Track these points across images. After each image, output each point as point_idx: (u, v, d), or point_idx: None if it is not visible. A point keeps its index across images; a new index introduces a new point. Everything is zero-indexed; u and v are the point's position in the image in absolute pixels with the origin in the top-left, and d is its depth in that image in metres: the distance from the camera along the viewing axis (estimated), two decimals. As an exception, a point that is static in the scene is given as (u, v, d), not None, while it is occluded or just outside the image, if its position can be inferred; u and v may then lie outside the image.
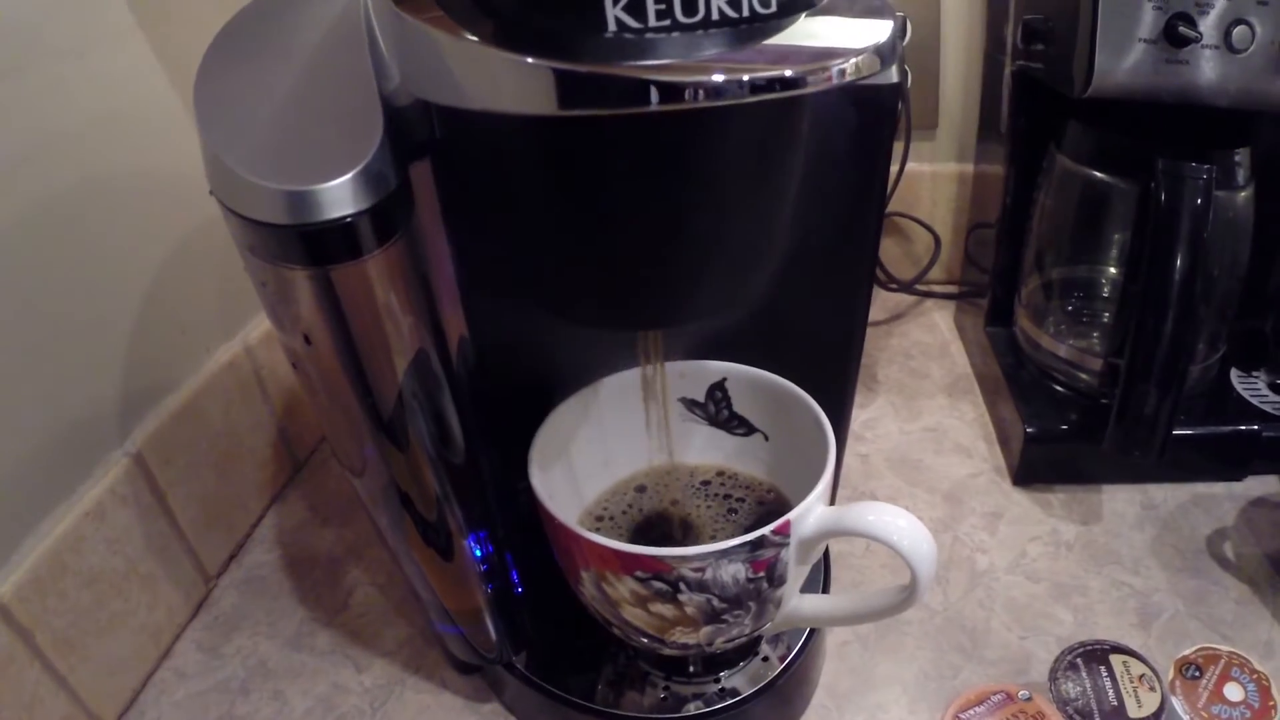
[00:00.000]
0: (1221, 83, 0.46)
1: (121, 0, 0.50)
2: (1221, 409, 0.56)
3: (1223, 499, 0.54)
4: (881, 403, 0.64)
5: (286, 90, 0.33)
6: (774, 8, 0.26)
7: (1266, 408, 0.56)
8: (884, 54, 0.26)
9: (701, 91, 0.22)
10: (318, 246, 0.29)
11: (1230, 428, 0.54)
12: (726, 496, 0.45)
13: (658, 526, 0.44)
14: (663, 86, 0.22)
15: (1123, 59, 0.46)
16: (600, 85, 0.23)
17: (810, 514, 0.36)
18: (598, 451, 0.44)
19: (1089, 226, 0.56)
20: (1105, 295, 0.58)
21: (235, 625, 0.52)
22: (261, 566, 0.56)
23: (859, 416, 0.63)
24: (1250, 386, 0.58)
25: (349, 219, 0.28)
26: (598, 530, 0.43)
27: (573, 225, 0.30)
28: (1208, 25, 0.45)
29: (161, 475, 0.51)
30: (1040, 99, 0.54)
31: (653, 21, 0.24)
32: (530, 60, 0.23)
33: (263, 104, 0.33)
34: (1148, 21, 0.45)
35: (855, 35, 0.26)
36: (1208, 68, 0.46)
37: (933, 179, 0.73)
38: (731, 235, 0.30)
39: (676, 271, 0.30)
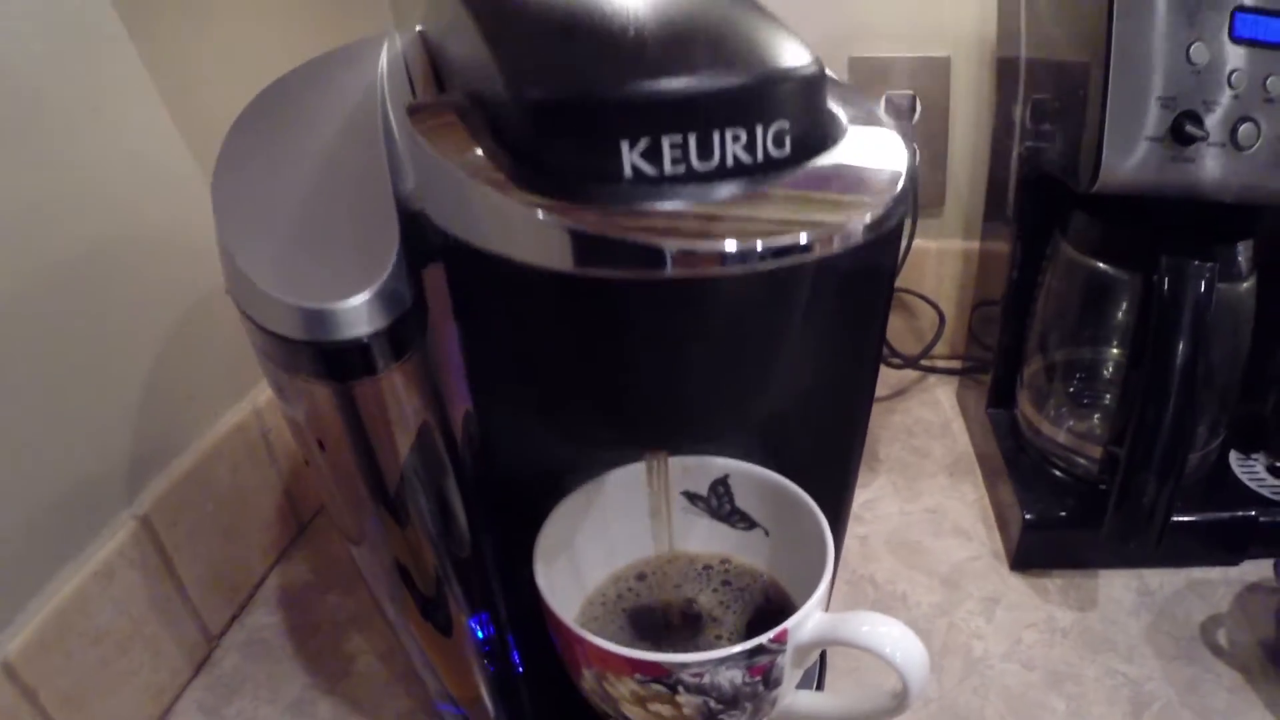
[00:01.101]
0: (1226, 179, 0.46)
1: (135, 58, 0.51)
2: (1219, 494, 0.56)
3: (1218, 584, 0.55)
4: (883, 482, 0.65)
5: (303, 188, 0.34)
6: (788, 150, 0.26)
7: (1264, 492, 0.56)
8: (900, 199, 0.27)
9: (715, 260, 0.23)
10: (333, 363, 0.30)
11: (1227, 514, 0.55)
12: (726, 584, 0.45)
13: (658, 614, 0.44)
14: (677, 255, 0.23)
15: (1129, 156, 0.46)
16: (615, 248, 0.23)
17: (807, 621, 0.37)
18: (600, 540, 0.44)
19: (1092, 314, 0.56)
20: (1107, 381, 0.58)
21: (236, 688, 0.52)
22: (264, 629, 0.56)
23: (860, 496, 0.63)
24: (1249, 469, 0.58)
25: (365, 339, 0.29)
26: (598, 616, 0.44)
27: (581, 357, 0.30)
28: (1214, 123, 0.45)
29: (168, 537, 0.52)
30: (1046, 186, 0.55)
31: (669, 169, 0.25)
32: (548, 217, 0.24)
33: (279, 202, 0.34)
34: (1155, 119, 0.46)
35: (870, 180, 0.27)
36: (1213, 165, 0.46)
37: (939, 256, 0.74)
38: (742, 369, 0.31)
39: (685, 402, 0.31)
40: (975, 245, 0.71)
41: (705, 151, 0.25)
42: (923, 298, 0.75)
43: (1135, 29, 0.44)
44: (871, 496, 0.63)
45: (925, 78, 0.68)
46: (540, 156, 0.25)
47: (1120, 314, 0.55)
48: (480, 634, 0.42)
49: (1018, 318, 0.60)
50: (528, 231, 0.25)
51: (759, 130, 0.25)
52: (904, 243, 0.69)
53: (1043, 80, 0.55)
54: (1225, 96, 0.45)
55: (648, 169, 0.25)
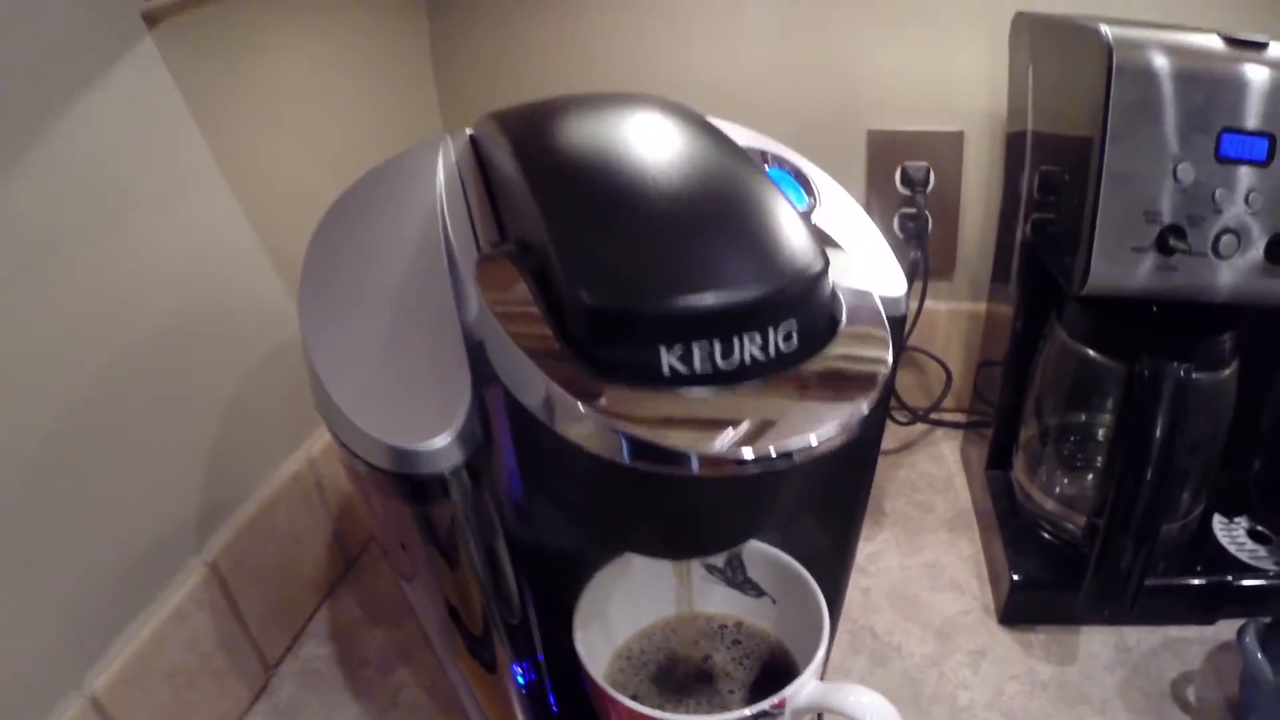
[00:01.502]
0: (1207, 285, 0.50)
1: (206, 151, 0.56)
2: (1199, 556, 0.60)
3: (1193, 642, 0.59)
4: (887, 535, 0.70)
5: (380, 318, 0.39)
6: (795, 345, 0.31)
7: (1242, 556, 0.60)
8: (885, 392, 0.31)
9: (734, 464, 0.28)
10: (416, 491, 0.35)
11: (1204, 579, 0.59)
12: (738, 643, 0.50)
13: (679, 668, 0.49)
14: (703, 459, 0.28)
15: (1116, 264, 0.50)
16: (654, 450, 0.28)
17: (804, 690, 0.42)
18: (629, 602, 0.50)
19: (1081, 392, 0.61)
20: (1094, 454, 0.62)
21: (293, 715, 0.58)
22: (316, 660, 0.62)
23: (864, 549, 0.68)
24: (1230, 533, 0.62)
25: (445, 474, 0.34)
26: (625, 669, 0.49)
27: (621, 497, 0.35)
28: (1196, 235, 0.49)
29: (233, 579, 0.57)
30: (1047, 272, 0.59)
31: (698, 368, 0.30)
32: (599, 418, 0.29)
33: (361, 331, 0.39)
34: (1141, 232, 0.49)
35: (861, 376, 0.31)
36: (1195, 272, 0.50)
37: (949, 316, 0.78)
38: (759, 508, 0.36)
39: (706, 531, 0.36)
40: (983, 307, 0.75)
41: (727, 353, 0.30)
42: (931, 356, 0.79)
43: (1126, 152, 0.48)
44: (876, 549, 0.68)
45: (940, 150, 0.72)
46: (591, 347, 0.30)
47: (1107, 395, 0.59)
48: (521, 679, 0.47)
49: (1017, 386, 0.65)
50: (579, 422, 0.30)
51: (771, 332, 0.30)
52: (917, 305, 0.74)
53: (1047, 156, 0.59)
54: (1209, 211, 0.49)
55: (681, 369, 0.30)
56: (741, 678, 0.49)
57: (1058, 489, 0.62)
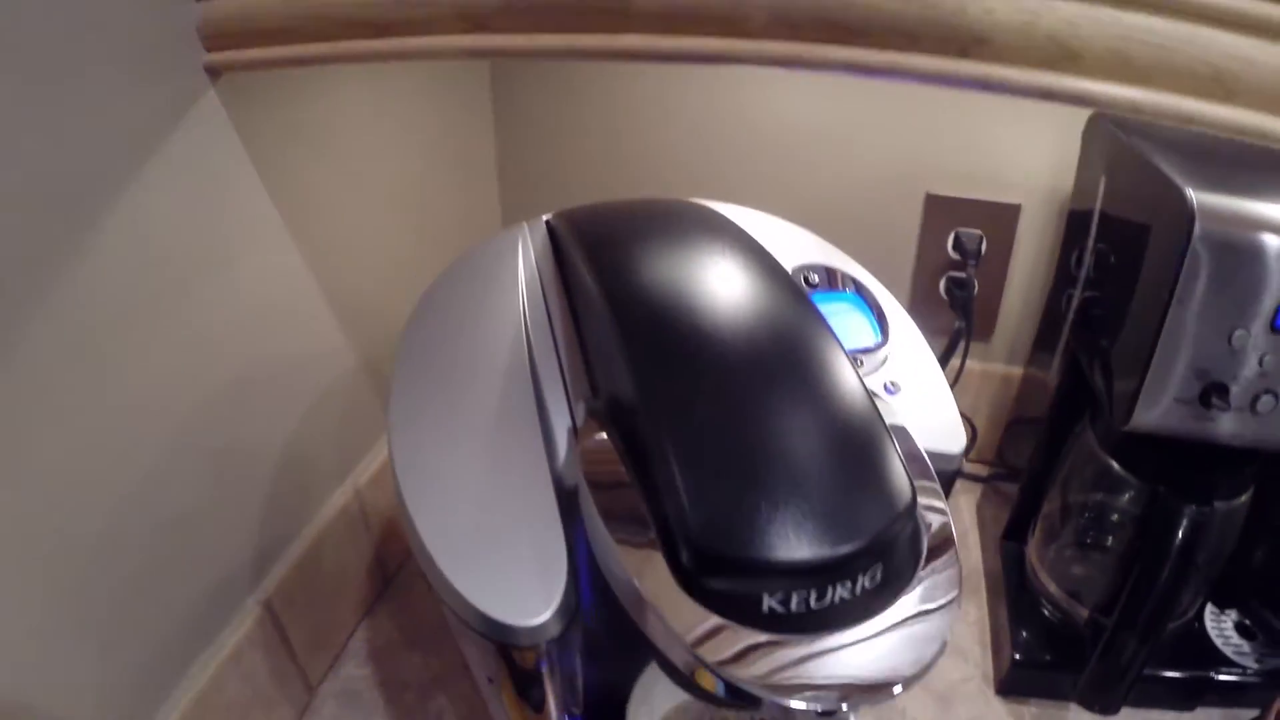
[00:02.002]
0: (1239, 434, 0.53)
1: (268, 203, 0.56)
2: (1186, 648, 0.65)
3: (1171, 727, 0.64)
4: (897, 598, 0.73)
5: (473, 465, 0.41)
6: (880, 580, 0.33)
7: (1228, 651, 0.65)
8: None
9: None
10: (513, 653, 0.38)
11: (1189, 673, 0.64)
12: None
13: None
14: (786, 710, 0.30)
15: (1158, 410, 0.52)
16: (744, 693, 0.31)
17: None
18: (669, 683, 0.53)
19: (1102, 497, 0.64)
20: (1103, 553, 0.66)
21: (335, 735, 0.62)
22: (356, 680, 0.65)
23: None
24: (1219, 626, 0.67)
25: (542, 645, 0.37)
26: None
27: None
28: (1237, 392, 0.51)
29: (284, 615, 0.60)
30: (1084, 378, 0.61)
31: (794, 608, 0.32)
32: (703, 660, 0.31)
33: (455, 477, 0.40)
34: (1186, 385, 0.51)
35: (928, 634, 0.33)
36: (1230, 423, 0.52)
37: (981, 377, 0.79)
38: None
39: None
40: (1016, 371, 0.77)
41: (820, 597, 0.32)
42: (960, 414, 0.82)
43: (1187, 314, 0.49)
44: (885, 608, 0.72)
45: (995, 220, 0.72)
46: (698, 578, 0.32)
47: (1127, 504, 0.62)
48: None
49: (1044, 467, 0.67)
50: (674, 647, 0.32)
51: (860, 577, 0.32)
52: (958, 365, 0.76)
53: (1108, 263, 0.60)
54: (1253, 373, 0.51)
55: (779, 609, 0.32)
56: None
57: (1066, 574, 0.66)
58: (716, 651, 0.31)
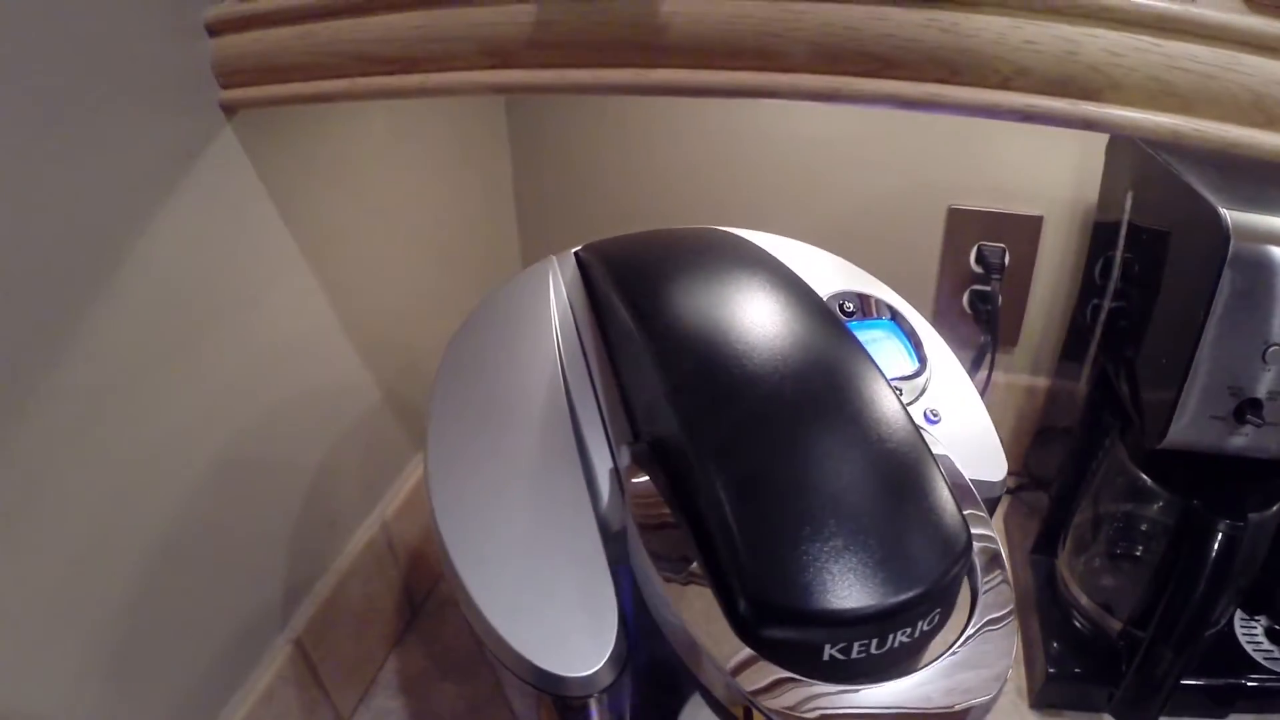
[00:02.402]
0: (1271, 446, 0.53)
1: (288, 239, 0.55)
2: (1217, 656, 0.65)
3: (1204, 733, 0.64)
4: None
5: (516, 506, 0.40)
6: (937, 622, 0.33)
7: (1258, 657, 0.65)
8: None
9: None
10: (563, 703, 0.37)
11: (1221, 680, 0.64)
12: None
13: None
14: None
15: (1192, 427, 0.52)
16: None
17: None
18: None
19: (1133, 510, 0.63)
20: (1138, 561, 0.66)
21: (369, 771, 0.62)
22: (388, 713, 0.65)
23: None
24: (1249, 632, 0.67)
25: (593, 695, 0.36)
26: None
27: None
28: (1273, 408, 0.51)
29: (315, 652, 0.60)
30: (1114, 390, 0.60)
31: (855, 655, 0.32)
32: (760, 704, 0.31)
33: (498, 522, 0.40)
34: (1221, 402, 0.51)
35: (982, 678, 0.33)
36: (1261, 437, 0.52)
37: (1006, 388, 0.79)
38: None
39: None
40: (1040, 381, 0.77)
41: (881, 644, 0.32)
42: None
43: (1222, 331, 0.49)
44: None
45: (1018, 232, 0.72)
46: (756, 629, 0.32)
47: (1158, 517, 0.62)
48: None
49: (1074, 479, 0.67)
50: (733, 693, 0.32)
51: (920, 623, 0.32)
52: (984, 378, 0.75)
53: (1136, 278, 0.60)
54: (1287, 389, 0.51)
55: (840, 657, 0.32)
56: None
57: (1098, 586, 0.66)
58: (775, 699, 0.31)
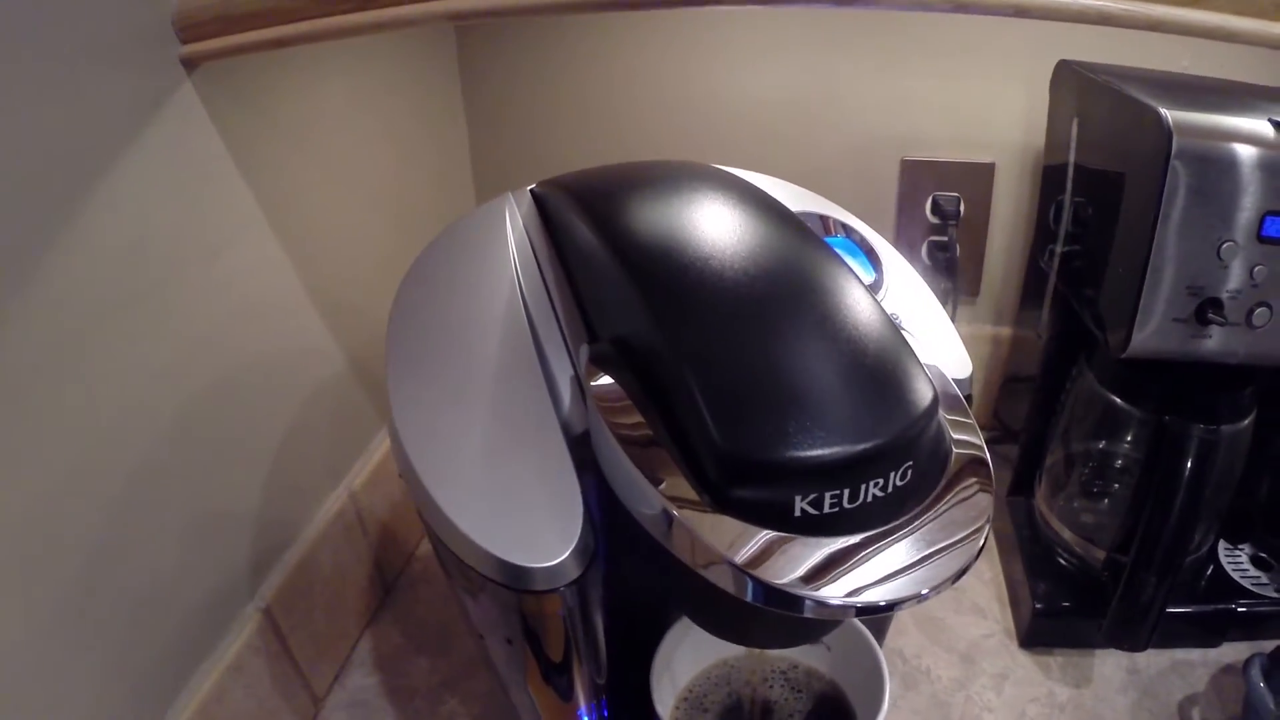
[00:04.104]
0: (1237, 350, 0.53)
1: (248, 197, 0.55)
2: (1205, 583, 0.64)
3: (1198, 665, 0.63)
4: (910, 561, 0.73)
5: (478, 418, 0.40)
6: (910, 478, 0.33)
7: (1246, 583, 0.65)
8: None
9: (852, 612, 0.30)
10: (528, 600, 0.36)
11: (1210, 606, 0.63)
12: (794, 685, 0.53)
13: (740, 710, 0.52)
14: (821, 606, 0.30)
15: (1154, 332, 0.52)
16: (775, 593, 0.30)
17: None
18: (695, 648, 0.52)
19: (1105, 434, 0.64)
20: (1116, 490, 0.65)
21: (346, 748, 0.60)
22: (363, 690, 0.63)
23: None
24: (1234, 560, 0.66)
25: (560, 588, 0.35)
26: (688, 713, 0.51)
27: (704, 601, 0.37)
28: (1234, 307, 0.52)
29: (284, 622, 0.58)
30: (1076, 316, 0.61)
31: (827, 509, 0.31)
32: (732, 565, 0.30)
33: (460, 433, 0.39)
34: (1181, 304, 0.52)
35: (962, 523, 0.33)
36: (1227, 339, 0.53)
37: (970, 340, 0.78)
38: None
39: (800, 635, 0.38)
40: (1005, 331, 0.77)
41: (854, 497, 0.31)
42: (950, 378, 0.82)
43: (1174, 231, 0.50)
44: (899, 573, 0.71)
45: (971, 180, 0.73)
46: (723, 488, 0.31)
47: (1133, 439, 0.62)
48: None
49: (1043, 420, 0.67)
50: (705, 555, 0.31)
51: (892, 474, 0.31)
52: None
53: (1089, 203, 0.61)
54: (1245, 285, 0.51)
55: (812, 511, 0.31)
56: (799, 716, 0.51)
57: (1078, 520, 0.65)
58: (750, 560, 0.30)
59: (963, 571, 0.31)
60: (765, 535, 0.31)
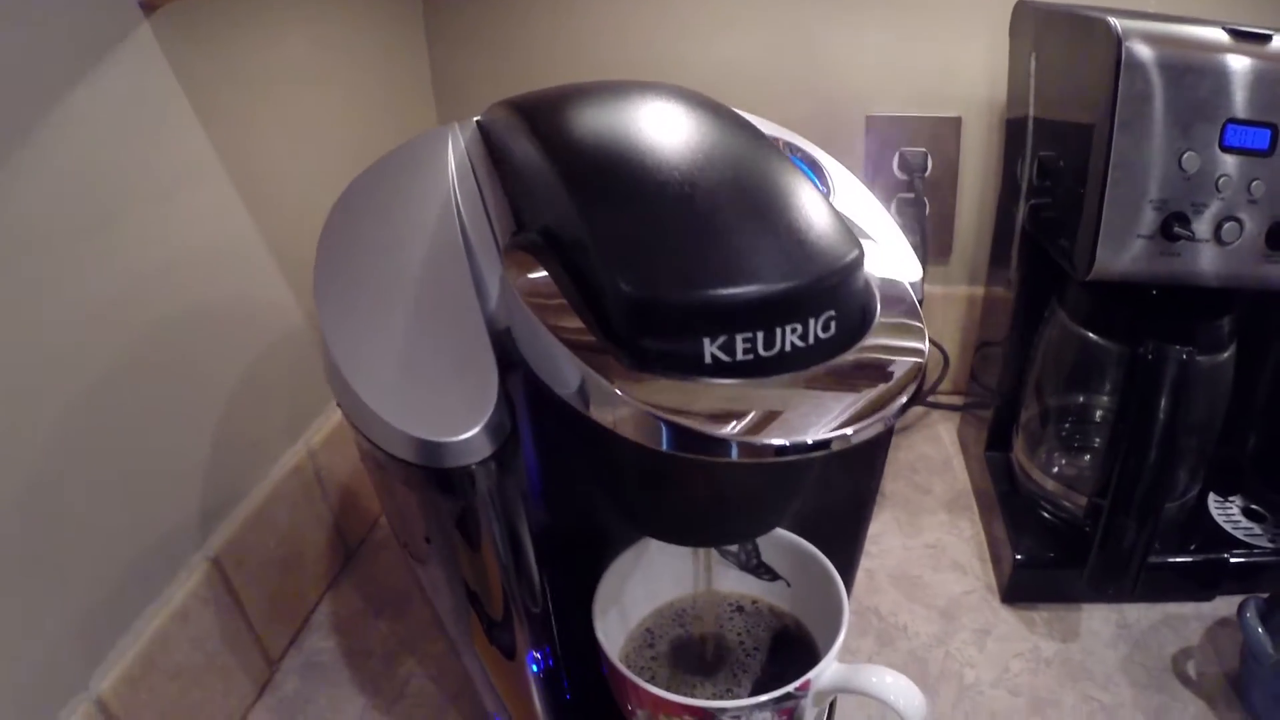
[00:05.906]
0: (1209, 269, 0.51)
1: (204, 141, 0.54)
2: (1196, 535, 0.62)
3: (1191, 619, 0.60)
4: (887, 517, 0.70)
5: (401, 310, 0.39)
6: (833, 332, 0.31)
7: (1238, 534, 0.62)
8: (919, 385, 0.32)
9: (772, 452, 0.28)
10: (442, 483, 0.35)
11: (1202, 556, 0.61)
12: (753, 622, 0.51)
13: (695, 647, 0.50)
14: (742, 447, 0.28)
15: (1121, 251, 0.51)
16: (695, 438, 0.28)
17: (827, 672, 0.43)
18: (645, 584, 0.50)
19: (1082, 375, 0.62)
20: (1094, 434, 0.63)
21: (299, 709, 0.58)
22: (320, 653, 0.61)
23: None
24: (1225, 512, 0.64)
25: (473, 466, 0.34)
26: (642, 649, 0.49)
27: (648, 485, 0.35)
28: (1200, 222, 0.50)
29: (235, 575, 0.56)
30: (1046, 256, 0.59)
31: (740, 356, 0.30)
32: (641, 407, 0.29)
33: (381, 324, 0.38)
34: (1147, 220, 0.50)
35: (897, 367, 0.31)
36: (1198, 258, 0.51)
37: (945, 300, 0.78)
38: (777, 498, 0.36)
39: (727, 524, 0.36)
40: (979, 290, 0.76)
41: (770, 343, 0.30)
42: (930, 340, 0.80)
43: (1133, 141, 0.49)
44: (877, 531, 0.69)
45: (937, 136, 0.72)
46: (632, 340, 0.30)
47: (1109, 377, 0.60)
48: (537, 667, 0.47)
49: (1017, 368, 0.65)
50: (618, 410, 0.29)
51: (811, 322, 0.30)
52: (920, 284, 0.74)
53: (1050, 143, 0.60)
54: (1212, 199, 0.50)
55: (724, 358, 0.30)
56: (759, 657, 0.49)
57: (1058, 469, 0.63)
58: (667, 409, 0.29)
59: (898, 411, 0.30)
60: (682, 384, 0.29)
